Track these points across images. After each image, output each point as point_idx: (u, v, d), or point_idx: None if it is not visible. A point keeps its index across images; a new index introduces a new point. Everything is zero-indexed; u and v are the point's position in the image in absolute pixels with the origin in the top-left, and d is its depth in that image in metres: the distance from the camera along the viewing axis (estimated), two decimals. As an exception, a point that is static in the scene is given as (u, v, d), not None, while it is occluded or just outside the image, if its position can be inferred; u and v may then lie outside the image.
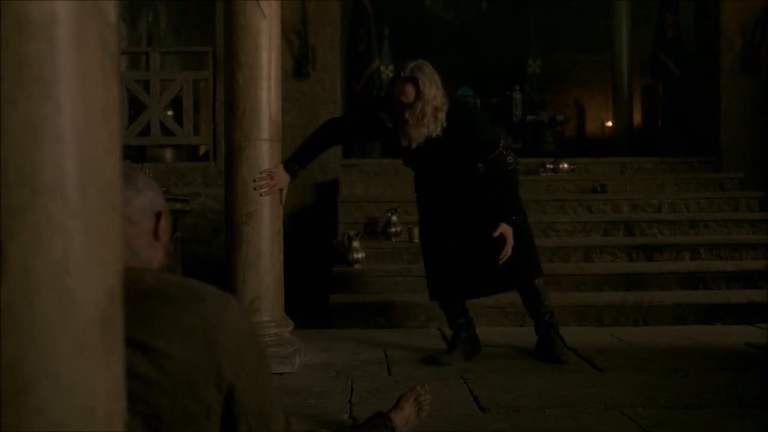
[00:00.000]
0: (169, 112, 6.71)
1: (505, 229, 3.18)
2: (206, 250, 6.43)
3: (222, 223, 6.56)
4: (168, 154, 6.79)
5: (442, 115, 3.11)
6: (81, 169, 0.95)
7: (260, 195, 3.28)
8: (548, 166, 6.34)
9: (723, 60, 6.50)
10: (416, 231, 4.68)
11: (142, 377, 1.10)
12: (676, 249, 5.21)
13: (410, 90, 3.03)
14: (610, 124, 15.15)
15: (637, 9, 10.19)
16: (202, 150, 7.38)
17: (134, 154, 6.78)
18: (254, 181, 3.28)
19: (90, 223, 0.94)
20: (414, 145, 3.18)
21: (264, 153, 3.40)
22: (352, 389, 3.02)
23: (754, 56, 6.39)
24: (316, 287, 5.49)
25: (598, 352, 3.65)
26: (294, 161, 3.37)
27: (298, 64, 6.41)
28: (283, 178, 3.33)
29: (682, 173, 6.45)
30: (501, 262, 3.20)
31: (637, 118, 15.16)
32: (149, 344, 1.13)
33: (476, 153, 3.21)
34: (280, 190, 3.38)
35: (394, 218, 5.31)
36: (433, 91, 3.05)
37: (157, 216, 1.33)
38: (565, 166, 6.35)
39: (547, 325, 3.50)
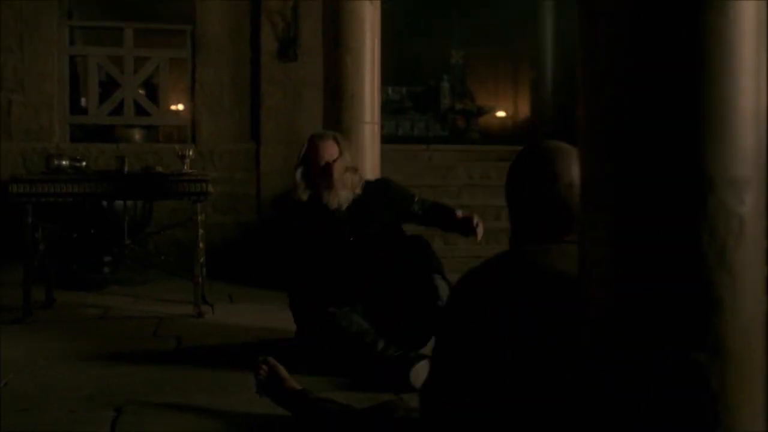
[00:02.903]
0: (141, 91, 6.47)
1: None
2: (187, 234, 6.26)
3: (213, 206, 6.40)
4: (137, 134, 6.53)
5: (360, 175, 3.22)
6: None
7: None
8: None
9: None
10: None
11: None
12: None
13: (333, 148, 3.14)
14: (502, 114, 15.97)
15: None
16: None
17: (100, 134, 6.46)
18: None
19: None
20: (336, 205, 3.15)
21: (368, 136, 3.49)
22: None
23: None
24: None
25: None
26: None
27: (283, 46, 6.36)
28: None
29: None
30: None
31: (525, 109, 16.07)
32: None
33: (398, 208, 3.25)
34: None
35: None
36: (349, 152, 3.19)
37: None
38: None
39: None
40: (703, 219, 1.06)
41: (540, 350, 1.35)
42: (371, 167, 3.41)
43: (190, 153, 4.34)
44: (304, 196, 3.19)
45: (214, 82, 6.39)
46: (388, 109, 10.77)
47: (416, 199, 3.30)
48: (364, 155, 3.44)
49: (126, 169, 4.30)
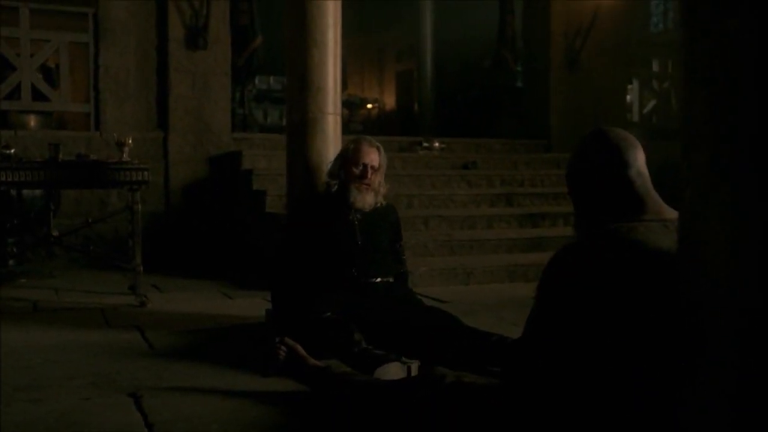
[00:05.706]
0: (38, 75, 6.16)
1: None
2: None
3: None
4: (33, 121, 6.21)
5: (384, 190, 3.44)
6: None
7: None
8: (424, 144, 7.02)
9: (553, 59, 7.72)
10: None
11: None
12: (552, 217, 6.22)
13: (376, 156, 3.37)
14: (369, 105, 16.33)
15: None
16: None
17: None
18: None
19: None
20: (360, 206, 3.31)
21: (331, 126, 3.63)
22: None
23: (576, 58, 7.70)
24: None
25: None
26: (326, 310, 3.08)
27: (192, 34, 6.29)
28: None
29: (524, 153, 7.54)
30: None
31: (390, 100, 16.53)
32: None
33: (392, 238, 3.47)
34: None
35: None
36: (384, 169, 3.43)
37: None
38: (437, 144, 7.08)
39: None
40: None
41: (638, 311, 1.61)
42: (334, 155, 3.55)
43: (130, 141, 4.25)
44: (334, 188, 3.35)
45: (119, 68, 6.23)
46: (271, 98, 10.85)
47: (401, 243, 3.51)
48: (329, 144, 3.57)
49: (60, 157, 4.16)
